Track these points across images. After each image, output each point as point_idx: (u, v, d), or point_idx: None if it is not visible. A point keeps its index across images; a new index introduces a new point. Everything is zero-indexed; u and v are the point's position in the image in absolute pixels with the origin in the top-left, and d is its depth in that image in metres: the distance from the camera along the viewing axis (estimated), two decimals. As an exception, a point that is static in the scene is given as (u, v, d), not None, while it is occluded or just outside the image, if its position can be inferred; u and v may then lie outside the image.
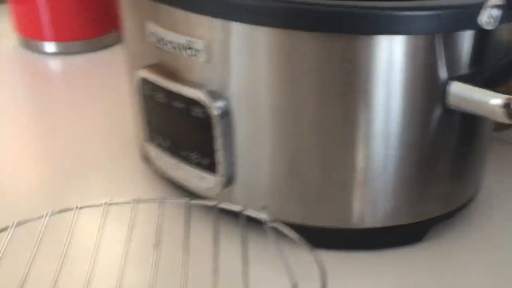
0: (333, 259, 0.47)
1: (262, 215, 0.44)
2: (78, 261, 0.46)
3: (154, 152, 0.51)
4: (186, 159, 0.48)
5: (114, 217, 0.47)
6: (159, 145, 0.50)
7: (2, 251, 0.40)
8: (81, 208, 0.45)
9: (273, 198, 0.46)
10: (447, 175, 0.46)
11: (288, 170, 0.45)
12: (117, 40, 0.87)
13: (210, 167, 0.47)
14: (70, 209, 0.45)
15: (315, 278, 0.42)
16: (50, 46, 0.86)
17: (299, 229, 0.44)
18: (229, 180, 0.47)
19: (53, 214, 0.44)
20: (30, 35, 0.86)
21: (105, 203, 0.45)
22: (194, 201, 0.47)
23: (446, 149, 0.44)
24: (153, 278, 0.38)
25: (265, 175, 0.46)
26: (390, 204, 0.45)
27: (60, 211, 0.45)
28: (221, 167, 0.46)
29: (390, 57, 0.40)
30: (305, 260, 0.46)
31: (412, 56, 0.40)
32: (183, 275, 0.38)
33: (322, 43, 0.40)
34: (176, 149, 0.48)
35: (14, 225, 0.43)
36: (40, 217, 0.44)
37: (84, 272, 0.41)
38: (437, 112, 0.42)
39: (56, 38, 0.85)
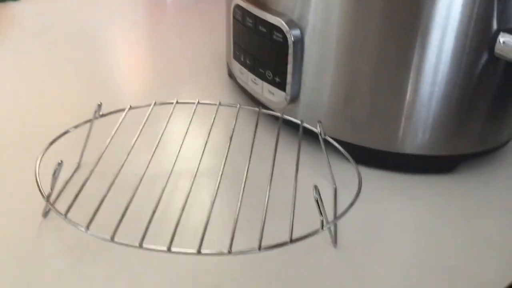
0: (370, 175, 0.49)
1: (316, 129, 0.46)
2: (169, 144, 0.51)
3: (238, 68, 0.54)
4: (262, 76, 0.50)
5: (200, 115, 0.51)
6: (242, 63, 0.53)
7: (118, 126, 0.45)
8: (178, 103, 0.49)
9: (328, 117, 0.48)
10: (485, 117, 0.46)
11: (345, 94, 0.46)
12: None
13: (280, 85, 0.49)
14: (171, 103, 0.49)
15: (352, 188, 0.44)
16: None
17: (346, 146, 0.46)
18: (294, 98, 0.49)
19: (157, 104, 0.49)
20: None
21: (198, 101, 0.49)
22: (264, 110, 0.49)
23: (487, 93, 0.44)
24: (223, 163, 0.42)
25: (324, 97, 0.48)
26: (429, 136, 0.46)
27: (163, 103, 0.49)
28: (289, 86, 0.49)
29: (450, 6, 0.40)
30: (346, 173, 0.48)
31: (469, 7, 0.40)
32: (247, 165, 0.42)
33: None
34: (255, 67, 0.51)
35: (128, 109, 0.47)
36: (148, 105, 0.48)
37: (173, 153, 0.45)
38: (484, 58, 0.42)
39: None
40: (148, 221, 0.36)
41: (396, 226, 0.44)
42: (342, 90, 0.47)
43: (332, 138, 0.47)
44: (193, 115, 0.49)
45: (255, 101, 0.55)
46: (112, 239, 0.35)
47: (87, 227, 0.36)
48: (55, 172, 0.40)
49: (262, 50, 0.50)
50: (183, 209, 0.37)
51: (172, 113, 0.49)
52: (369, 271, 0.39)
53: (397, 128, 0.46)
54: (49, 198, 0.39)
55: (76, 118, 0.49)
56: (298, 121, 0.48)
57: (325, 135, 0.46)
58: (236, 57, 0.55)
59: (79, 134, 0.47)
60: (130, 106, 0.48)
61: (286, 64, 0.48)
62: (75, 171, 0.47)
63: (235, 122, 0.48)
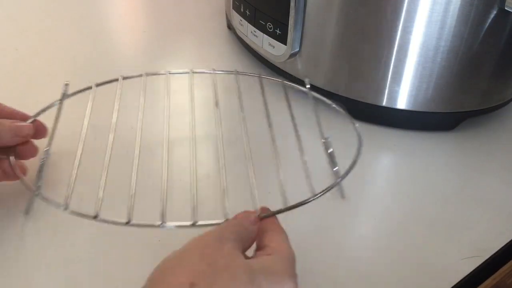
0: (370, 131, 0.48)
1: (304, 85, 0.45)
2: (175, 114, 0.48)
3: (237, 19, 0.52)
4: (263, 28, 0.49)
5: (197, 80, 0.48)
6: (242, 14, 0.51)
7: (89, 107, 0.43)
8: (171, 73, 0.46)
9: (330, 71, 0.47)
10: (490, 74, 0.45)
11: (346, 49, 0.45)
12: None
13: (281, 38, 0.47)
14: (163, 74, 0.46)
15: (349, 141, 0.43)
16: None
17: (346, 101, 0.45)
18: (295, 51, 0.47)
19: (148, 74, 0.46)
20: None
21: (191, 70, 0.46)
22: (264, 77, 0.47)
23: (494, 49, 0.43)
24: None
25: (327, 50, 0.47)
26: (432, 92, 0.45)
27: (154, 74, 0.46)
28: (290, 38, 0.47)
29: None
30: (344, 127, 0.47)
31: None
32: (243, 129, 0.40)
33: None
34: (256, 18, 0.49)
35: (122, 79, 0.45)
36: (140, 75, 0.45)
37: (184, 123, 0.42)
38: (493, 11, 0.40)
39: None
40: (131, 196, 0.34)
41: (393, 181, 0.44)
42: (345, 43, 0.45)
43: (333, 93, 0.46)
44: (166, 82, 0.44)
45: (254, 54, 0.54)
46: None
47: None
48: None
49: (263, 0, 0.48)
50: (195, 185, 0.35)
51: (168, 83, 0.44)
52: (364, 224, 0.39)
53: (399, 83, 0.45)
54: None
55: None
56: (280, 80, 0.46)
57: (309, 89, 0.45)
58: (236, 8, 0.53)
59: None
60: (123, 76, 0.44)
61: (288, 15, 0.46)
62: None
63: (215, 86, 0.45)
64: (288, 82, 0.46)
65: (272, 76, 0.48)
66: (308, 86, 0.45)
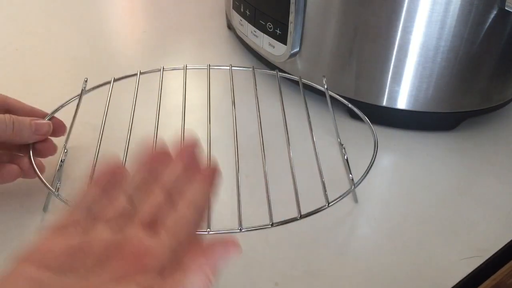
0: (369, 131, 0.48)
1: (318, 84, 0.45)
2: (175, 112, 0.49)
3: (237, 19, 0.52)
4: (263, 28, 0.49)
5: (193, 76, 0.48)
6: (242, 13, 0.51)
7: (108, 98, 0.42)
8: (164, 70, 0.46)
9: (330, 71, 0.47)
10: (490, 74, 0.45)
11: (346, 49, 0.45)
12: None
13: (281, 38, 0.47)
14: (158, 70, 0.46)
15: (356, 144, 0.43)
16: None
17: (346, 101, 0.45)
18: (295, 51, 0.47)
19: (140, 73, 0.45)
20: None
21: (185, 65, 0.46)
22: (281, 74, 0.47)
23: (494, 49, 0.43)
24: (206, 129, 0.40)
25: (327, 50, 0.47)
26: (433, 92, 0.45)
27: (148, 72, 0.46)
28: (290, 38, 0.47)
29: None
30: (349, 128, 0.46)
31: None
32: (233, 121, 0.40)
33: None
34: (256, 18, 0.49)
35: (113, 80, 0.44)
36: (158, 70, 0.46)
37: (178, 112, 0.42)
38: (493, 11, 0.40)
39: None
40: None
41: (393, 181, 0.44)
42: (345, 43, 0.45)
43: (333, 93, 0.46)
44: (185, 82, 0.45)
45: (254, 54, 0.54)
46: None
47: None
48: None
49: (263, 0, 0.48)
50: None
51: (161, 80, 0.45)
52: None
53: (400, 83, 0.45)
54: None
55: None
56: (297, 78, 0.46)
57: (327, 89, 0.45)
58: (236, 8, 0.53)
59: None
60: (114, 78, 0.44)
61: (288, 15, 0.46)
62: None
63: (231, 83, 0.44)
64: (305, 81, 0.46)
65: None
66: (325, 86, 0.45)
